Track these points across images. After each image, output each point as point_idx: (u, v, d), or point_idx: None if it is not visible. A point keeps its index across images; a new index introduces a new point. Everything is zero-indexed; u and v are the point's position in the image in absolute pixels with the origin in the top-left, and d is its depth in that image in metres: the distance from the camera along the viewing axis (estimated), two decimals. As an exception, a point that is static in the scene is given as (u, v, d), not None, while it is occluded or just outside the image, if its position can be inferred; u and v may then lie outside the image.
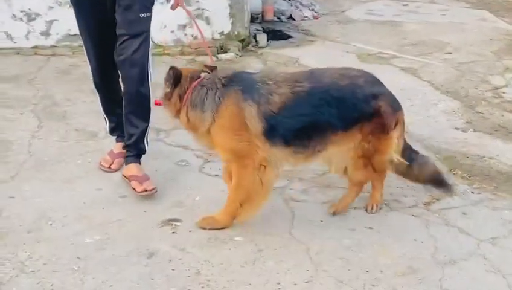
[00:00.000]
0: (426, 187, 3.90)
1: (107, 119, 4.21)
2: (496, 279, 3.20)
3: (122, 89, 3.91)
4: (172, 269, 3.16)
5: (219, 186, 3.95)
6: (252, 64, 6.47)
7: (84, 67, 4.26)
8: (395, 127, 3.56)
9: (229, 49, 6.78)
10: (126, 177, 3.89)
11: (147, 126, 3.96)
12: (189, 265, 3.19)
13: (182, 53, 6.69)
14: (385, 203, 3.87)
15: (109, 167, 4.07)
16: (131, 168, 3.88)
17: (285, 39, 7.55)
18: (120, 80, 3.94)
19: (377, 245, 3.44)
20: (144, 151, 3.99)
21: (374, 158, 3.57)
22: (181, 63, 6.41)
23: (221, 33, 6.87)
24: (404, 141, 3.74)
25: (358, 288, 3.07)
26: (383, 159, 3.61)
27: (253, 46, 7.09)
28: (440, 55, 6.93)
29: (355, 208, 3.80)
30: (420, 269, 3.25)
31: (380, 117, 3.49)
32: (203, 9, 6.73)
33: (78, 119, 4.84)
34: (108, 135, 4.29)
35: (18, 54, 6.36)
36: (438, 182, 3.80)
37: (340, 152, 3.54)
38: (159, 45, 6.71)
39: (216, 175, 4.11)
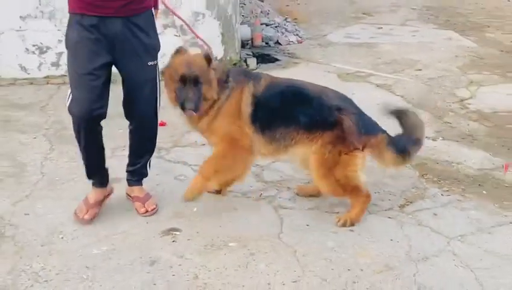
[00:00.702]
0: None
1: (85, 164, 3.64)
2: (465, 273, 3.19)
3: (130, 124, 3.63)
4: (173, 275, 3.14)
5: (215, 198, 3.95)
6: (243, 86, 6.46)
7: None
8: (363, 149, 3.55)
9: (222, 73, 6.78)
10: (129, 197, 3.81)
11: (152, 153, 3.79)
12: (188, 270, 3.18)
13: (180, 78, 6.68)
14: (364, 208, 3.86)
15: (82, 218, 3.55)
16: (134, 190, 3.77)
17: (273, 62, 7.55)
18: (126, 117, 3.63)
19: (357, 246, 3.43)
20: (146, 175, 3.82)
21: (336, 171, 3.52)
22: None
23: (215, 59, 6.83)
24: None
25: (340, 286, 3.06)
26: (346, 174, 3.54)
27: (244, 69, 7.10)
28: (411, 72, 6.94)
29: (337, 212, 3.80)
30: (396, 266, 3.24)
31: (341, 130, 3.51)
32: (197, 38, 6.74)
33: (86, 141, 4.83)
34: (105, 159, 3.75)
35: (32, 84, 6.35)
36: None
37: (304, 153, 3.57)
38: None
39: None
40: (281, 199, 3.97)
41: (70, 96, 3.39)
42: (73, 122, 3.41)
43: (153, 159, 4.48)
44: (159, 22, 6.52)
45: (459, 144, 4.93)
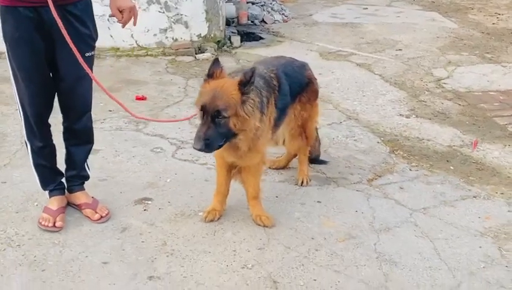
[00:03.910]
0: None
1: (38, 171, 3.40)
2: (424, 243, 3.27)
3: (64, 121, 3.37)
4: (142, 241, 3.21)
5: (188, 170, 4.02)
6: (226, 63, 6.46)
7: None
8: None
9: (206, 50, 6.81)
10: (75, 205, 3.46)
11: (90, 148, 3.49)
12: (157, 237, 3.24)
13: (164, 54, 6.70)
14: (333, 181, 3.94)
15: (54, 226, 3.27)
16: (79, 197, 3.44)
17: (257, 40, 7.57)
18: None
19: (323, 216, 3.50)
20: (87, 178, 3.52)
21: (307, 125, 3.70)
22: (163, 62, 6.46)
23: (199, 35, 6.89)
24: None
25: (303, 253, 3.14)
26: (313, 125, 3.79)
27: (227, 46, 7.10)
28: (392, 51, 6.98)
29: (310, 185, 3.88)
30: (358, 235, 3.31)
31: (313, 84, 3.68)
32: (181, 15, 6.75)
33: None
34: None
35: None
36: None
37: (284, 124, 3.60)
38: (143, 47, 6.74)
39: (186, 160, 4.15)
40: (253, 172, 4.03)
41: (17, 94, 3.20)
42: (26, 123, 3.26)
43: (131, 133, 4.58)
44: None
45: (431, 121, 5.00)
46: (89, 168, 3.54)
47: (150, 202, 3.60)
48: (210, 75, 3.03)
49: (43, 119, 3.26)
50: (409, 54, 6.89)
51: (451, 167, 4.20)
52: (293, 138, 3.72)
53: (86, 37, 3.16)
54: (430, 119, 5.04)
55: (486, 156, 4.37)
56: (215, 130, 2.93)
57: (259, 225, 3.36)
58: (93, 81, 3.17)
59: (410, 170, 4.14)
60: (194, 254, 3.11)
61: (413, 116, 5.09)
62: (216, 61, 3.05)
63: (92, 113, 3.44)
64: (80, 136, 3.42)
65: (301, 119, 3.66)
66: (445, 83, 5.93)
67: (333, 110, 5.15)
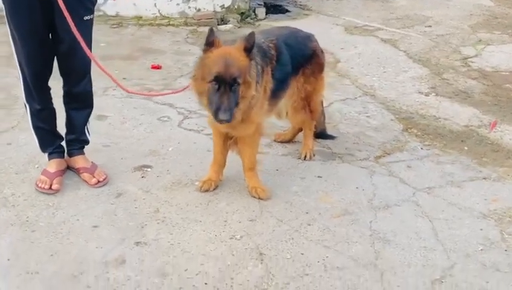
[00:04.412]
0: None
1: (37, 134, 3.44)
2: (423, 222, 3.17)
3: (64, 85, 3.39)
4: (135, 207, 3.21)
5: (192, 139, 4.00)
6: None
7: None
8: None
9: (228, 21, 6.76)
10: (74, 169, 3.48)
11: (89, 112, 3.51)
12: (151, 204, 3.24)
13: (186, 24, 6.69)
14: (338, 156, 3.86)
15: (50, 188, 3.29)
16: (78, 161, 3.47)
17: (283, 13, 7.50)
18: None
19: (321, 191, 3.43)
20: (87, 143, 3.55)
21: (311, 99, 3.61)
22: (184, 32, 6.44)
23: (222, 6, 6.85)
24: None
25: (295, 226, 3.09)
26: (319, 98, 3.69)
27: (251, 18, 7.04)
28: (420, 28, 6.80)
29: (314, 160, 3.81)
30: (355, 212, 3.24)
31: (318, 57, 3.58)
32: (205, -15, 6.71)
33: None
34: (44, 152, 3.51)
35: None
36: None
37: (286, 97, 3.54)
38: (166, 17, 6.73)
39: (191, 130, 4.14)
40: (258, 144, 3.98)
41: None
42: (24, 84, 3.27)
43: (141, 101, 4.58)
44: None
45: (451, 100, 4.85)
46: (89, 133, 3.56)
47: (149, 169, 3.60)
48: (210, 44, 2.97)
49: (41, 81, 3.28)
50: (439, 30, 6.69)
51: (466, 147, 4.07)
52: (296, 111, 3.65)
53: (85, 0, 3.16)
54: (450, 98, 4.89)
55: (503, 137, 4.22)
56: (233, 98, 2.88)
57: (254, 197, 3.33)
58: (92, 57, 3.17)
59: (421, 148, 4.03)
60: (185, 223, 3.10)
61: (433, 94, 4.95)
62: (212, 31, 2.99)
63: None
64: (80, 100, 3.43)
65: (304, 92, 3.58)
66: (472, 62, 5.74)
67: (350, 86, 5.05)
